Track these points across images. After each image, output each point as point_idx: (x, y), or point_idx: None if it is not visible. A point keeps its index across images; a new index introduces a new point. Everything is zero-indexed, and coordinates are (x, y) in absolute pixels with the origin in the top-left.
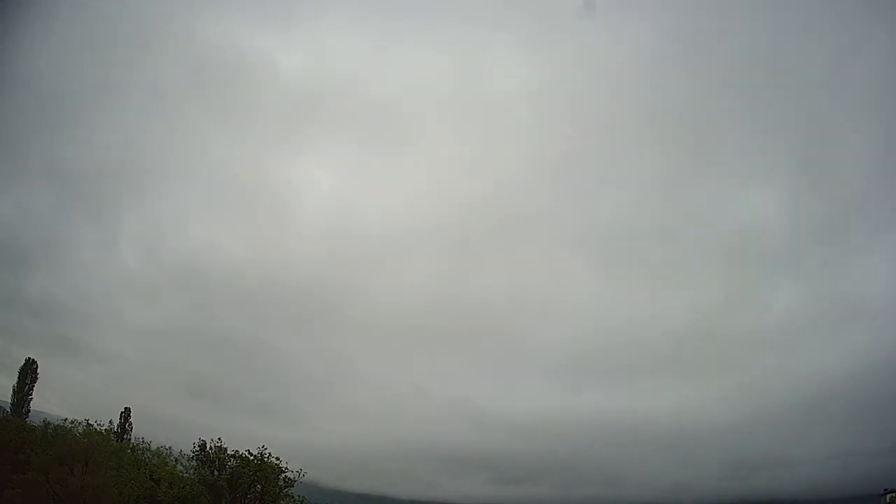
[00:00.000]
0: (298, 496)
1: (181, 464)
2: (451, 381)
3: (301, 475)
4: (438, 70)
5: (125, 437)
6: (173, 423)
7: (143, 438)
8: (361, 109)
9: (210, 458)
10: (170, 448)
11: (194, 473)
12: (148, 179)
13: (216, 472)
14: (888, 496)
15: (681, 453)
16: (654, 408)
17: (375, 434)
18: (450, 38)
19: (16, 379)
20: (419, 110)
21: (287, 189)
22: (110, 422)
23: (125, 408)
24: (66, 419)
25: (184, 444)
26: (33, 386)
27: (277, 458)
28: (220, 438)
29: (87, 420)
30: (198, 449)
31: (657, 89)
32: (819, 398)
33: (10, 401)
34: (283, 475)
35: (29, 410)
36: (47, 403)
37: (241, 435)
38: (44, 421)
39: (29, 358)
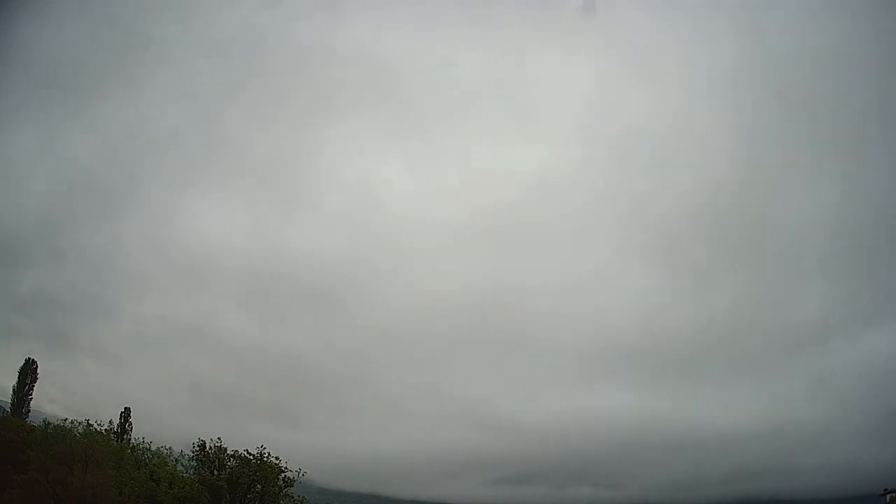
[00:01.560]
0: (298, 496)
1: (181, 464)
2: (464, 383)
3: (301, 475)
4: (479, 61)
5: (125, 437)
6: (174, 423)
7: (143, 438)
8: (392, 99)
9: (210, 458)
10: (170, 448)
11: (194, 473)
12: (155, 168)
13: (216, 472)
14: (888, 496)
15: (688, 456)
16: (670, 410)
17: (380, 435)
18: (492, 27)
19: (16, 379)
20: (455, 103)
21: (306, 179)
22: (110, 422)
23: (125, 408)
24: (66, 419)
25: (185, 444)
26: (33, 386)
27: (277, 458)
28: (219, 438)
29: (87, 420)
30: (197, 449)
31: (706, 95)
32: (836, 404)
33: (10, 401)
34: (283, 475)
35: (29, 410)
36: (48, 404)
37: (243, 435)
38: (44, 421)
39: (29, 358)
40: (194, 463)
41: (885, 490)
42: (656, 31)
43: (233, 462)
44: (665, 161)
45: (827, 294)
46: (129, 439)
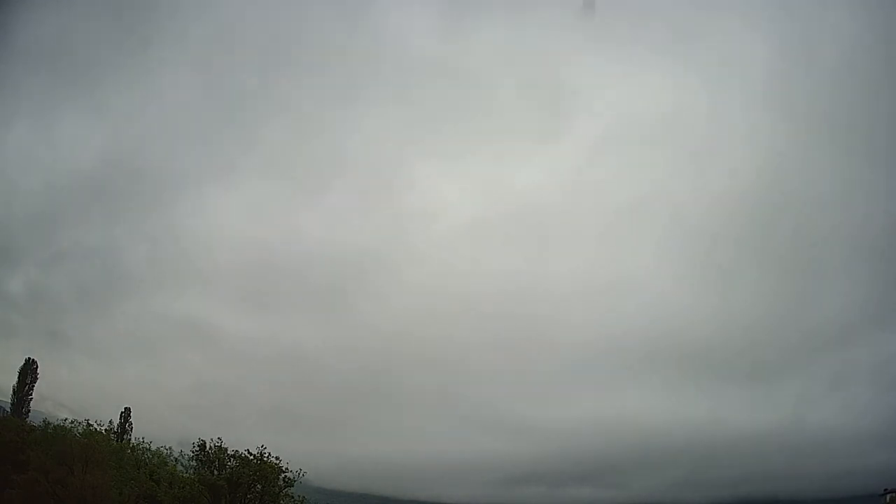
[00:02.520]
0: (298, 496)
1: (181, 464)
2: (472, 385)
3: (301, 475)
4: (509, 58)
5: (125, 437)
6: (174, 423)
7: (143, 438)
8: (413, 92)
9: (210, 457)
10: (170, 448)
11: (194, 473)
12: (157, 164)
13: (216, 472)
14: (888, 496)
15: (692, 458)
16: (681, 412)
17: (381, 435)
18: (523, 23)
19: (16, 379)
20: (484, 99)
21: (314, 172)
22: (110, 422)
23: (125, 408)
24: (66, 419)
25: (185, 444)
26: (33, 386)
27: (277, 458)
28: (219, 438)
29: (87, 420)
30: (197, 449)
31: (738, 98)
32: (849, 407)
33: (10, 401)
34: (283, 475)
35: (29, 410)
36: (46, 402)
37: (244, 435)
38: (44, 421)
39: (29, 358)
40: (194, 463)
41: (885, 490)
42: (691, 31)
43: (233, 462)
44: (696, 164)
45: (847, 297)
46: (129, 439)
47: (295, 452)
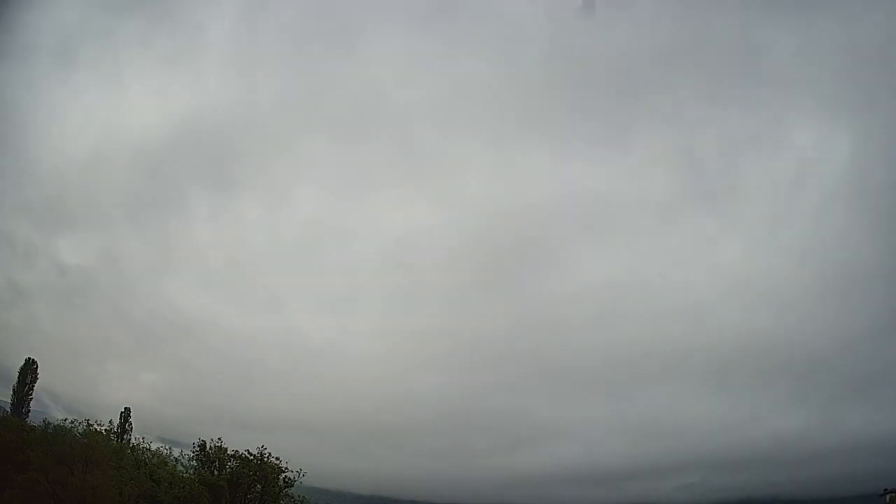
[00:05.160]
0: (298, 496)
1: (181, 464)
2: (478, 388)
3: (301, 475)
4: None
5: (125, 437)
6: (174, 423)
7: (143, 438)
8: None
9: (210, 458)
10: (170, 448)
11: (194, 473)
12: (168, 159)
13: (216, 472)
14: (888, 496)
15: (690, 461)
16: (688, 415)
17: (383, 436)
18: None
19: (16, 379)
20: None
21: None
22: (110, 422)
23: (125, 408)
24: (66, 419)
25: (185, 444)
26: (33, 386)
27: (277, 458)
28: (220, 438)
29: (87, 420)
30: (197, 449)
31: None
32: (869, 411)
33: (10, 401)
34: (283, 475)
35: (29, 410)
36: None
37: (244, 438)
38: (44, 421)
39: (29, 358)
40: (194, 463)
41: (885, 490)
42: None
43: (233, 462)
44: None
45: (875, 299)
46: (129, 439)
47: (295, 452)
